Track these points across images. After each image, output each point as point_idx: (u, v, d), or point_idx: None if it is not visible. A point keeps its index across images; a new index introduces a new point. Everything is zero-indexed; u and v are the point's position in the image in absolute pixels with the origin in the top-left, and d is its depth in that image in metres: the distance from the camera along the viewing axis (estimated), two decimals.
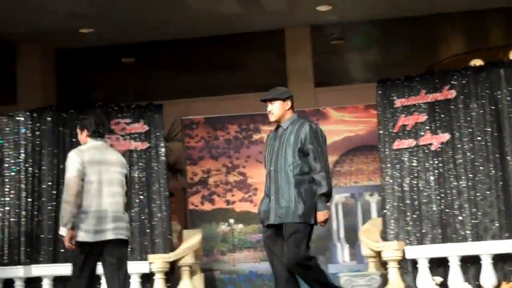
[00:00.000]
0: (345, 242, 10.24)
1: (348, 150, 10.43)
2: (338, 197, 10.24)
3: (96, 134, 6.30)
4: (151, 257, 8.89)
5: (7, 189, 9.31)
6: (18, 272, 9.00)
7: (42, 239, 9.20)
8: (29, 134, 9.38)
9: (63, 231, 6.02)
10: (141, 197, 9.24)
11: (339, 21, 12.53)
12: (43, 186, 9.29)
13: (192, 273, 9.05)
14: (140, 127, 9.41)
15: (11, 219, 9.24)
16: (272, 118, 5.98)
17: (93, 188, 6.07)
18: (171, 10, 11.63)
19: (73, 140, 9.24)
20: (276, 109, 5.97)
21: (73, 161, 6.14)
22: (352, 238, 10.15)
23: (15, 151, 9.37)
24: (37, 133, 9.40)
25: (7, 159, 9.37)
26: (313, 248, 9.85)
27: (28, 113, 9.48)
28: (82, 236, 5.96)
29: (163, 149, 9.35)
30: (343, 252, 10.23)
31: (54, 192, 9.24)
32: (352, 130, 10.38)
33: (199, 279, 9.19)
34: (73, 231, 5.96)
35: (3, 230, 9.22)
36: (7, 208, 9.27)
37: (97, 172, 6.13)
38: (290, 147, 5.85)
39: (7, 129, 9.45)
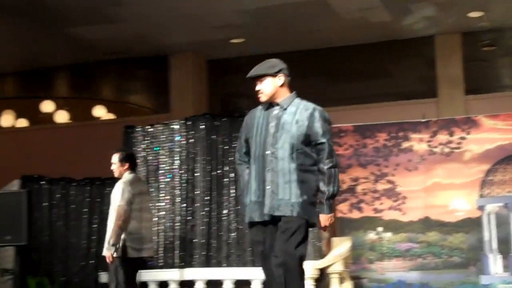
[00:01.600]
0: (498, 253, 9.97)
1: (502, 158, 10.15)
2: (490, 207, 9.99)
3: (135, 168, 7.70)
4: None
5: (162, 195, 9.64)
6: (173, 275, 9.27)
7: (195, 243, 9.46)
8: (184, 142, 9.67)
9: (110, 249, 7.18)
10: None
11: (491, 27, 12.25)
12: (196, 192, 9.54)
13: (341, 280, 9.07)
14: None
15: (166, 224, 9.57)
16: (263, 98, 5.13)
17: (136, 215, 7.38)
18: (320, 19, 11.73)
19: (225, 147, 9.51)
20: (266, 87, 5.13)
21: (125, 192, 7.36)
22: (505, 249, 9.88)
23: (170, 158, 9.69)
24: (191, 140, 9.66)
25: (162, 165, 9.70)
26: (464, 258, 9.75)
27: (182, 121, 9.77)
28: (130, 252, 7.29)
29: None
30: (495, 264, 9.96)
31: (207, 198, 9.50)
32: (505, 138, 10.10)
33: (348, 286, 9.19)
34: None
35: (158, 234, 9.54)
36: (162, 213, 9.59)
37: (140, 202, 7.43)
38: (292, 132, 5.00)
39: (162, 136, 9.78)
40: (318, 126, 5.03)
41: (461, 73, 12.50)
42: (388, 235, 10.15)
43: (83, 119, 14.62)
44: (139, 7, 11.27)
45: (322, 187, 4.99)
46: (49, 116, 14.78)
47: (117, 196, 7.50)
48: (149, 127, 9.89)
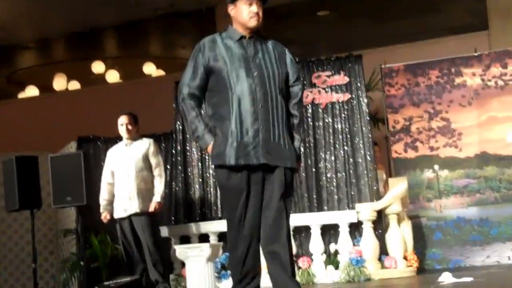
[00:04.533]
0: None
1: None
2: None
3: None
4: (358, 206, 9.01)
5: None
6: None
7: None
8: None
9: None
10: (346, 147, 9.37)
11: None
12: None
13: (399, 221, 9.07)
14: (341, 78, 9.50)
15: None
16: (254, 23, 4.65)
17: None
18: None
19: None
20: (261, 14, 4.69)
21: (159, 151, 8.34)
22: None
23: None
24: None
25: None
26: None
27: None
28: None
29: (365, 100, 9.42)
30: None
31: None
32: None
33: (407, 226, 9.18)
34: None
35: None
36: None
37: None
38: (279, 68, 4.67)
39: None
40: (294, 66, 4.81)
41: None
42: (445, 172, 10.07)
43: (134, 77, 14.75)
44: None
45: (297, 131, 4.75)
46: (100, 76, 14.94)
47: (153, 154, 8.27)
48: None
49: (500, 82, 9.99)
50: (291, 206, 4.73)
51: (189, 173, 9.92)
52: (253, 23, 4.65)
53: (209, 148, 4.64)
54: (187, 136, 9.79)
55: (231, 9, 4.75)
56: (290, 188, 4.67)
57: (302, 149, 9.39)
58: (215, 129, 4.65)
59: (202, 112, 4.74)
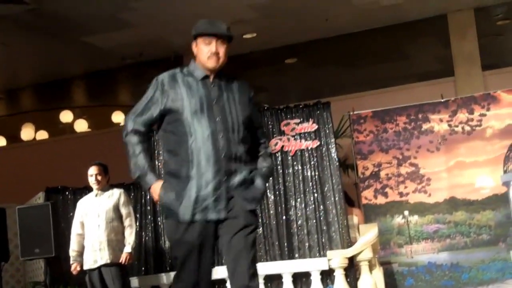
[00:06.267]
0: None
1: None
2: None
3: None
4: (329, 253, 8.99)
5: None
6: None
7: None
8: None
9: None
10: (316, 194, 9.37)
11: (503, 0, 12.16)
12: None
13: (371, 267, 9.05)
14: (310, 126, 9.54)
15: None
16: (214, 64, 4.31)
17: None
18: (331, 7, 11.71)
19: None
20: (224, 54, 4.36)
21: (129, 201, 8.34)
22: None
23: None
24: None
25: None
26: (492, 236, 9.68)
27: None
28: None
29: (334, 146, 9.46)
30: None
31: None
32: None
33: (378, 272, 9.16)
34: None
35: None
36: None
37: None
38: (241, 109, 4.36)
39: None
40: (252, 104, 4.50)
41: (477, 50, 12.43)
42: (415, 218, 10.10)
43: (103, 127, 14.70)
44: (151, 10, 11.32)
45: (263, 168, 4.44)
46: (69, 126, 14.88)
47: (124, 204, 8.27)
48: None
49: (467, 128, 10.08)
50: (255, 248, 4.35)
51: (159, 223, 9.85)
52: (211, 64, 4.30)
53: (152, 189, 4.27)
54: None
55: (194, 47, 4.41)
56: (255, 237, 4.33)
57: (271, 196, 9.45)
58: (170, 177, 4.29)
59: (147, 148, 4.38)
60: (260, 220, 9.38)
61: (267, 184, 4.59)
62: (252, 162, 4.42)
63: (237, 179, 4.27)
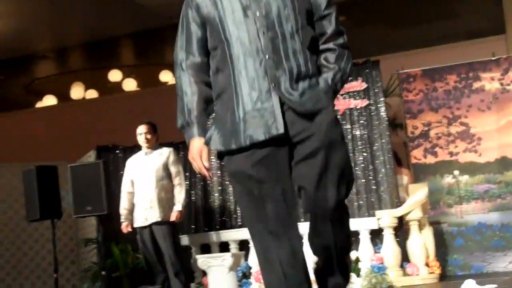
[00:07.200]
0: None
1: None
2: None
3: None
4: (378, 213, 8.98)
5: None
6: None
7: None
8: None
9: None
10: (365, 154, 9.34)
11: None
12: None
13: (420, 227, 9.03)
14: (359, 85, 9.49)
15: None
16: None
17: None
18: None
19: None
20: None
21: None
22: None
23: None
24: None
25: None
26: None
27: None
28: None
29: (383, 105, 9.40)
30: None
31: None
32: None
33: (428, 232, 9.14)
34: None
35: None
36: None
37: None
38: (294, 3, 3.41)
39: None
40: None
41: None
42: (465, 177, 10.02)
43: (151, 85, 14.77)
44: None
45: (334, 62, 3.50)
46: (118, 85, 14.98)
47: (173, 162, 8.30)
48: None
49: None
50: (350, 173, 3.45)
51: (208, 181, 9.92)
52: None
53: (192, 145, 3.51)
54: None
55: None
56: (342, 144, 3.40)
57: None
58: (218, 106, 3.48)
59: (200, 85, 3.52)
60: None
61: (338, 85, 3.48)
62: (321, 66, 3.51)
63: (294, 78, 3.38)
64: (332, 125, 3.33)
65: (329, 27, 3.52)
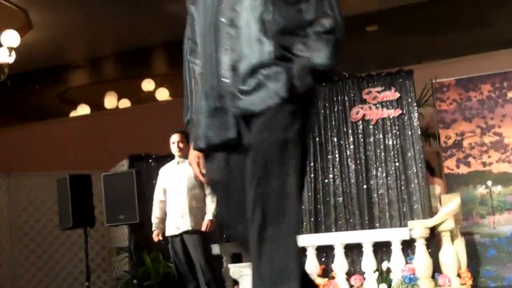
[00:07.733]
0: None
1: None
2: None
3: None
4: (410, 223, 8.93)
5: None
6: None
7: (303, 210, 9.53)
8: None
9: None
10: (397, 164, 9.30)
11: None
12: None
13: (452, 238, 8.96)
14: (392, 94, 9.46)
15: None
16: None
17: None
18: None
19: (327, 112, 9.50)
20: None
21: None
22: None
23: None
24: None
25: None
26: None
27: None
28: None
29: (416, 115, 9.36)
30: None
31: (312, 164, 9.53)
32: None
33: (460, 243, 9.07)
34: None
35: None
36: None
37: None
38: None
39: None
40: None
41: None
42: (498, 188, 9.93)
43: (183, 95, 14.84)
44: None
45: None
46: (150, 94, 15.06)
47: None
48: None
49: None
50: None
51: None
52: None
53: (191, 148, 3.24)
54: None
55: None
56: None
57: (352, 165, 9.43)
58: None
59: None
60: (340, 189, 9.38)
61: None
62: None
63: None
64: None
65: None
